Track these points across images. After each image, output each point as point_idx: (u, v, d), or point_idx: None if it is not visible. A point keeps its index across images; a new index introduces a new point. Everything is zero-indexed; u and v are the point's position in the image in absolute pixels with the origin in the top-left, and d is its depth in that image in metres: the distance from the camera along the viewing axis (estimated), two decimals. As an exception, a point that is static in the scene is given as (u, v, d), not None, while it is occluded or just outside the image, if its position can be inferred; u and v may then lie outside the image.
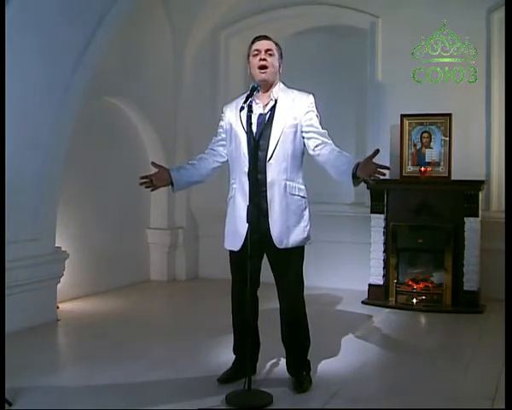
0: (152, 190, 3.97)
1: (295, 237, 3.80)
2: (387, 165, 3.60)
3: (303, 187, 3.85)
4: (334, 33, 7.05)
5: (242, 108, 3.68)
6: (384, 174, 3.49)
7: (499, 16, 6.17)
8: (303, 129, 3.78)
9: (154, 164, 3.95)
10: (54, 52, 5.06)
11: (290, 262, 3.84)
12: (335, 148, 3.75)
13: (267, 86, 3.81)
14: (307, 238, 3.87)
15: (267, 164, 3.73)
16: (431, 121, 6.29)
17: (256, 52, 3.78)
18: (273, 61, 3.78)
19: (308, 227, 3.86)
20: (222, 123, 3.97)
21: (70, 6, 4.99)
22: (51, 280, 5.51)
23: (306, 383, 3.90)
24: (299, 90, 3.90)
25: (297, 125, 3.77)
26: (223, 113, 3.97)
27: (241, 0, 7.20)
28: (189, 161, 4.10)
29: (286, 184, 3.76)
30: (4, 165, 4.58)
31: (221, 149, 3.98)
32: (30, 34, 4.80)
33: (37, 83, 5.03)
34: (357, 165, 3.54)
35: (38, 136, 5.20)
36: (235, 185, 3.86)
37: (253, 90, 3.70)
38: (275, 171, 3.74)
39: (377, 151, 3.47)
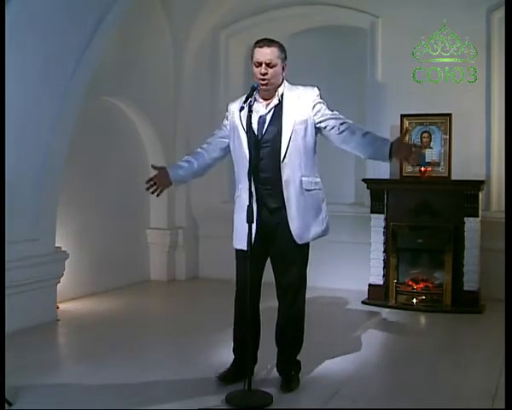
0: (158, 195, 3.98)
1: (314, 230, 3.85)
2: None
3: (318, 180, 3.89)
4: (334, 33, 7.04)
5: (242, 108, 3.70)
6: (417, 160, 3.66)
7: (499, 16, 6.17)
8: (317, 124, 3.80)
9: (153, 167, 4.00)
10: (54, 52, 5.06)
11: (294, 261, 3.85)
12: (359, 126, 3.85)
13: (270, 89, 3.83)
14: (326, 230, 3.92)
15: (282, 164, 3.73)
16: (431, 121, 6.28)
17: (257, 64, 3.76)
18: (274, 72, 3.76)
19: (326, 218, 3.92)
20: (226, 121, 3.98)
21: (70, 6, 5.00)
22: (51, 280, 5.51)
23: (294, 384, 3.90)
24: (304, 85, 3.91)
25: (307, 120, 3.78)
26: (227, 111, 3.98)
27: (241, 0, 7.20)
28: (187, 156, 4.07)
29: (302, 180, 3.78)
30: (4, 165, 4.58)
31: (219, 145, 3.98)
32: (30, 34, 4.80)
33: (37, 83, 5.03)
34: (391, 144, 3.66)
35: (38, 136, 5.20)
36: (240, 185, 3.86)
37: (253, 89, 3.72)
38: (290, 169, 3.75)
39: (406, 131, 3.56)
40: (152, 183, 3.92)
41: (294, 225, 3.77)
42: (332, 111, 3.85)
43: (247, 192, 3.69)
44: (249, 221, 3.63)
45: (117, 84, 6.46)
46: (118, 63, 6.41)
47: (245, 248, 3.69)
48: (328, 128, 3.80)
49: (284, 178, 3.75)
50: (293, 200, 3.76)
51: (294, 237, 3.78)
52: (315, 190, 3.84)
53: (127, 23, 6.04)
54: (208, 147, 4.01)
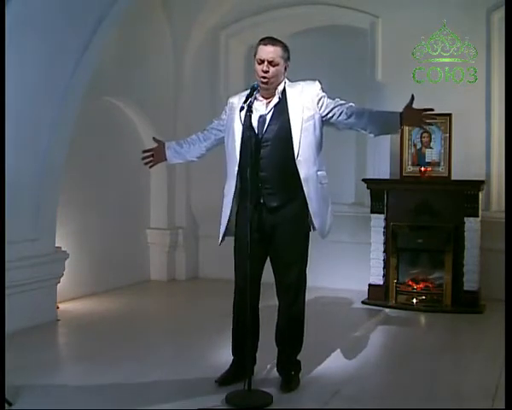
0: (150, 167, 4.21)
1: (328, 224, 3.91)
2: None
3: (325, 173, 3.90)
4: (334, 33, 7.03)
5: (242, 108, 3.69)
6: (432, 121, 3.88)
7: (499, 16, 6.17)
8: (324, 117, 3.82)
9: (155, 139, 4.21)
10: (54, 52, 5.06)
11: (295, 261, 3.86)
12: (362, 108, 3.92)
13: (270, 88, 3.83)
14: (331, 224, 3.95)
15: (297, 161, 3.74)
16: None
17: (259, 61, 3.77)
18: (275, 71, 3.76)
19: (332, 211, 3.96)
20: (224, 115, 3.99)
21: (70, 6, 4.99)
22: (51, 280, 5.51)
23: (294, 384, 3.90)
24: (304, 80, 3.92)
25: (313, 115, 3.79)
26: (227, 105, 3.99)
27: (241, 0, 7.20)
28: (186, 139, 4.19)
29: (317, 174, 3.81)
30: (4, 165, 4.58)
31: (215, 136, 4.04)
32: (30, 34, 4.80)
33: (37, 83, 5.03)
34: (401, 115, 3.75)
35: (38, 136, 5.20)
36: (229, 183, 3.90)
37: (253, 89, 3.73)
38: (306, 166, 3.76)
39: (413, 97, 3.74)
40: (149, 154, 4.14)
41: (318, 221, 3.83)
42: (334, 99, 3.87)
43: (230, 190, 3.83)
44: (249, 220, 3.64)
45: (117, 84, 6.46)
46: (118, 63, 6.40)
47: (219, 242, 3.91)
48: (335, 117, 3.82)
49: (302, 176, 3.75)
50: (314, 196, 3.79)
51: (319, 232, 3.86)
52: (326, 183, 3.89)
53: (127, 23, 6.03)
54: (205, 135, 4.08)
